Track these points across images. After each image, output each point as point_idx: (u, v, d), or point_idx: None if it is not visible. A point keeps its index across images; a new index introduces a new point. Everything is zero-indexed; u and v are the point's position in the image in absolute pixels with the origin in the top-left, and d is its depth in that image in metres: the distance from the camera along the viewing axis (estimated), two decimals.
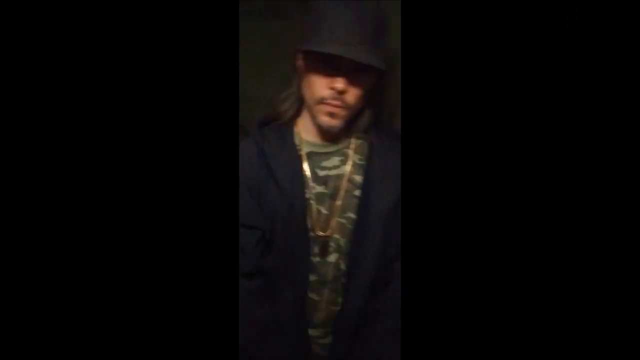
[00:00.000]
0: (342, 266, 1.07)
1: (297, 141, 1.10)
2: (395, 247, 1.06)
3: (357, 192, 1.08)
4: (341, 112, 1.03)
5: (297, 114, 1.10)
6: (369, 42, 0.98)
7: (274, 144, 1.09)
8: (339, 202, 1.07)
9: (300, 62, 1.06)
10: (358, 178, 1.08)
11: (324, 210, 1.07)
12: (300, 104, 1.09)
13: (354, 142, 1.10)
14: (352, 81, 1.01)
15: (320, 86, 1.02)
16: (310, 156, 1.09)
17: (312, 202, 1.06)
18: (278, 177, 1.05)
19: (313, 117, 1.06)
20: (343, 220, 1.07)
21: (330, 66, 1.00)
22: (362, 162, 1.10)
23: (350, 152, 1.10)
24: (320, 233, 1.06)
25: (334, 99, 1.01)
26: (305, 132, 1.10)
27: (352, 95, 1.02)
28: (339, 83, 0.99)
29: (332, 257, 1.07)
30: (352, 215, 1.07)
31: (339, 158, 1.10)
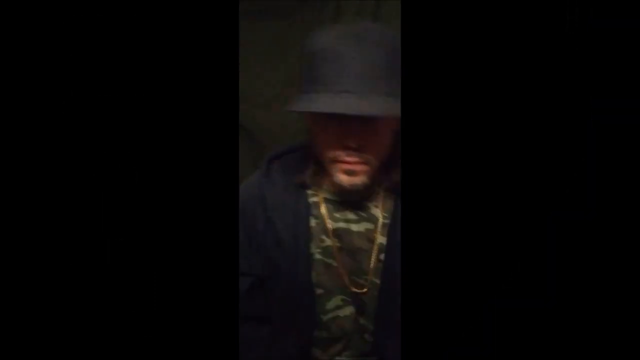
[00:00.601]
0: (362, 321, 0.96)
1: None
2: None
3: (382, 256, 0.93)
4: (362, 167, 0.86)
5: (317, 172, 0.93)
6: (379, 83, 0.80)
7: (279, 188, 0.94)
8: (358, 264, 0.93)
9: (306, 115, 0.89)
10: (382, 239, 0.93)
11: (334, 264, 0.93)
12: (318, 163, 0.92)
13: (381, 195, 0.94)
14: (368, 132, 0.83)
15: (331, 144, 0.85)
16: (325, 203, 0.94)
17: (318, 256, 0.92)
18: (278, 230, 0.92)
19: (331, 175, 0.89)
20: (364, 282, 0.94)
21: (337, 119, 0.82)
22: (387, 221, 0.93)
23: (375, 207, 0.94)
24: (355, 290, 0.93)
25: (349, 156, 0.84)
26: (323, 177, 0.94)
27: (372, 147, 0.85)
28: (352, 140, 0.83)
29: (347, 311, 0.95)
30: (375, 280, 0.93)
31: (359, 211, 0.94)
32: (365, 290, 0.93)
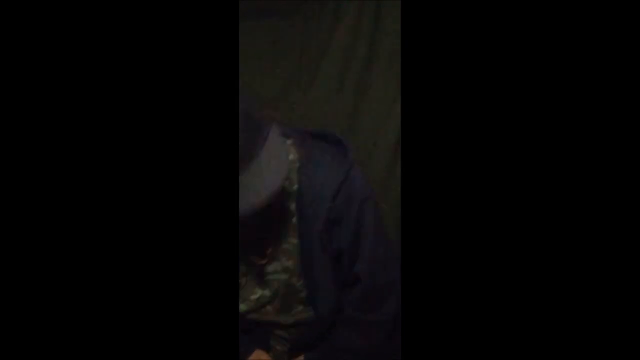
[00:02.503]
0: (296, 282, 1.12)
1: None
2: (350, 251, 1.11)
3: (294, 219, 1.10)
4: None
5: None
6: None
7: None
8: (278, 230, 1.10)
9: None
10: (291, 206, 1.09)
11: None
12: None
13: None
14: None
15: None
16: None
17: None
18: None
19: None
20: (287, 246, 1.11)
21: None
22: (293, 189, 1.09)
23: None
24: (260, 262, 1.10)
25: None
26: None
27: None
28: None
29: (283, 276, 1.12)
30: (293, 240, 1.10)
31: None
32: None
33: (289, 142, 1.09)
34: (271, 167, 0.95)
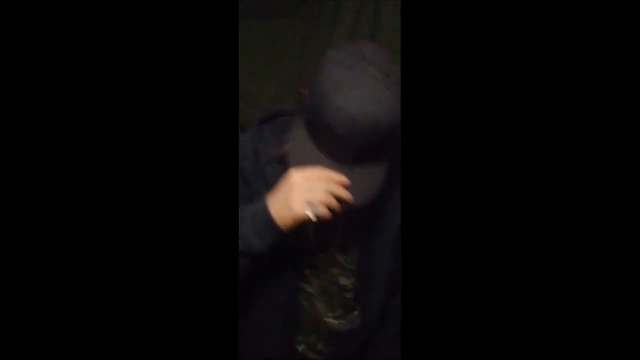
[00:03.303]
0: (344, 282, 1.05)
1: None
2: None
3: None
4: None
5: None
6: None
7: (271, 145, 0.99)
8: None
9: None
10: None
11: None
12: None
13: None
14: None
15: None
16: None
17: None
18: (271, 182, 0.96)
19: None
20: (344, 240, 1.03)
21: None
22: None
23: None
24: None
25: None
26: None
27: None
28: None
29: (332, 271, 1.04)
30: (356, 233, 1.03)
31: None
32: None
33: None
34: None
